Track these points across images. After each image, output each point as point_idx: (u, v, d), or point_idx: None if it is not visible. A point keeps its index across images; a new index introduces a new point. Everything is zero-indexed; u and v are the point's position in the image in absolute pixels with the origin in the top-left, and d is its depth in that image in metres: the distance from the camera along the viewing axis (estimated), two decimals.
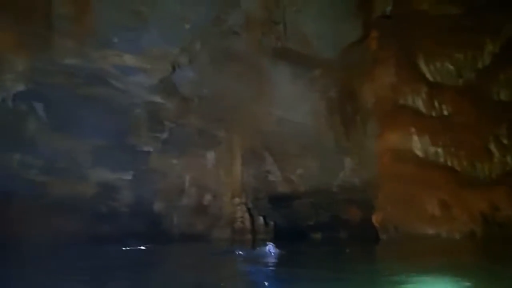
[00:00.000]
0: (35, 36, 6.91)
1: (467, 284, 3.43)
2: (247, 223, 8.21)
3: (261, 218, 8.36)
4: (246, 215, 8.20)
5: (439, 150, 6.46)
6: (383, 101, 6.97)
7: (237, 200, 8.23)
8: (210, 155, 8.24)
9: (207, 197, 8.38)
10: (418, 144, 6.52)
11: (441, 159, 6.40)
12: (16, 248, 7.17)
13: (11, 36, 6.70)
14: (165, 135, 7.84)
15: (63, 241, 7.91)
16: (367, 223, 7.09)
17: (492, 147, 6.30)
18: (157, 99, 7.72)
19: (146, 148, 7.83)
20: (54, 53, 6.90)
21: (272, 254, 5.25)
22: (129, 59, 7.34)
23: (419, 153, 6.50)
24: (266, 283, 3.79)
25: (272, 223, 8.40)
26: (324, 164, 7.98)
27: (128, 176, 7.90)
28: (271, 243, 5.47)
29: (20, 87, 6.89)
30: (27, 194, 7.82)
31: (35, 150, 7.32)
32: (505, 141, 6.29)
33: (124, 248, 6.70)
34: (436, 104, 6.70)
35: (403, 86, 6.88)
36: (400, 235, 6.62)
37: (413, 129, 6.63)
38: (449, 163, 6.40)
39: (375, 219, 6.95)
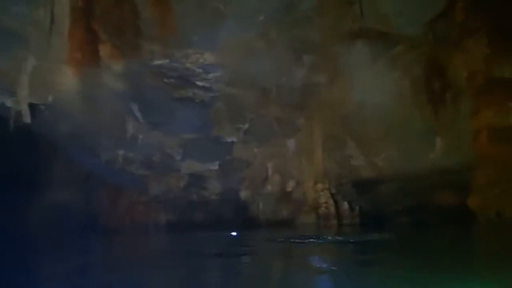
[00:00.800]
0: (127, 43, 7.65)
1: None
2: (332, 209, 8.18)
3: (345, 203, 8.27)
4: (330, 201, 8.19)
5: None
6: (475, 75, 6.45)
7: (320, 186, 8.24)
8: (291, 143, 8.30)
9: (290, 184, 8.48)
10: None
11: None
12: (127, 234, 8.18)
13: (109, 46, 7.51)
14: (246, 126, 8.05)
15: (161, 228, 8.74)
16: (460, 207, 6.67)
17: None
18: (236, 91, 8.08)
19: (229, 139, 8.11)
20: (143, 57, 7.60)
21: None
22: (209, 56, 7.75)
23: None
24: None
25: (357, 208, 8.28)
26: (410, 146, 7.55)
27: (215, 166, 8.41)
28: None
29: (119, 90, 7.75)
30: (132, 186, 8.85)
31: (135, 147, 7.99)
32: None
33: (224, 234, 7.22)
34: None
35: (497, 57, 6.30)
36: (501, 220, 6.17)
37: (511, 104, 6.23)
38: None
39: (471, 203, 6.50)
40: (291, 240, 5.90)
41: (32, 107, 6.58)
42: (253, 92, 8.02)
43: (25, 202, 7.90)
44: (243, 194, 8.39)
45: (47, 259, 5.49)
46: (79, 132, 7.83)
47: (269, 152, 8.37)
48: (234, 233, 7.14)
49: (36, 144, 7.78)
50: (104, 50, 7.28)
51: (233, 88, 7.93)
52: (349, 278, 3.60)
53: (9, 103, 6.25)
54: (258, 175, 8.33)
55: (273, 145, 8.44)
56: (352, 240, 5.85)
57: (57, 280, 4.00)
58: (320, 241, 5.84)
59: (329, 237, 6.21)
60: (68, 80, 6.85)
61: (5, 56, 6.12)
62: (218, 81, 8.05)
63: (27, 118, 6.43)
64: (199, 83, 7.89)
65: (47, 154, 8.28)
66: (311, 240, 5.89)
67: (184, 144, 8.01)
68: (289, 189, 8.35)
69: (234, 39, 7.41)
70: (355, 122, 8.07)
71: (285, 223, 8.16)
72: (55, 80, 6.67)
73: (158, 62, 7.38)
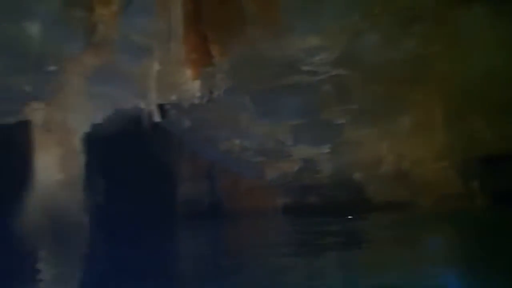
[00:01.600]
0: (233, 39, 8.20)
1: None
2: (456, 188, 7.59)
3: (474, 182, 7.57)
4: (454, 179, 7.61)
5: None
6: None
7: (440, 164, 7.72)
8: (405, 120, 7.82)
9: (406, 164, 8.14)
10: None
11: None
12: (248, 218, 8.86)
13: (218, 45, 8.14)
14: (355, 106, 7.81)
15: (277, 211, 9.21)
16: None
17: None
18: (343, 72, 7.98)
19: (339, 121, 8.01)
20: (249, 49, 8.05)
21: None
22: (313, 40, 7.85)
23: None
24: None
25: (487, 186, 7.45)
26: None
27: (326, 150, 8.47)
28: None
29: (229, 84, 8.36)
30: (249, 173, 9.51)
31: (249, 136, 8.40)
32: None
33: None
34: None
35: None
36: None
37: None
38: None
39: None
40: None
41: (159, 107, 7.51)
42: (361, 71, 7.84)
43: (161, 193, 9.08)
44: (357, 176, 8.29)
45: (185, 242, 6.32)
46: (199, 126, 8.67)
47: (381, 132, 8.05)
48: (350, 217, 7.15)
49: (165, 140, 8.87)
50: (215, 49, 7.92)
51: (339, 69, 7.86)
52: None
53: (141, 105, 7.24)
54: (371, 156, 8.12)
55: (386, 124, 8.12)
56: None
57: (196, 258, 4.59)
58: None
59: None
60: (187, 80, 7.65)
61: (136, 66, 7.10)
62: (322, 63, 8.07)
63: (156, 117, 7.38)
64: (305, 68, 8.02)
65: (174, 148, 9.38)
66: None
67: (294, 129, 8.20)
68: (405, 169, 7.95)
69: (338, 20, 7.38)
70: (478, 93, 7.31)
71: (402, 206, 7.83)
72: (177, 81, 7.50)
73: (263, 52, 7.73)
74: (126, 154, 7.87)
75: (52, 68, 6.34)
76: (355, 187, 8.25)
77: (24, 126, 6.23)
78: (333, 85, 8.05)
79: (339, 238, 5.61)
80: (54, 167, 6.15)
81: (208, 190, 9.72)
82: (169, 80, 7.43)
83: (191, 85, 7.58)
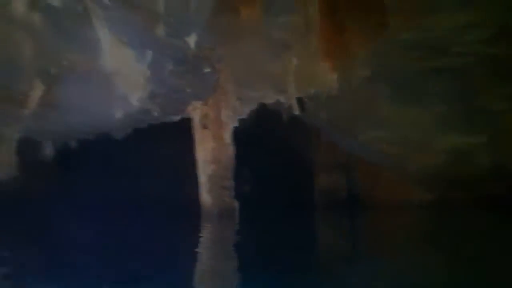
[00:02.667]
0: (372, 24, 7.99)
1: None
2: None
3: None
4: None
5: None
6: None
7: None
8: None
9: None
10: None
11: None
12: (386, 212, 8.63)
13: (355, 33, 8.02)
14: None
15: (417, 206, 8.71)
16: None
17: None
18: (499, 51, 7.08)
19: (497, 108, 7.19)
20: (390, 34, 7.75)
21: None
22: (462, 17, 7.15)
23: None
24: None
25: None
26: None
27: (480, 140, 7.66)
28: None
29: (367, 73, 8.20)
30: (388, 165, 9.20)
31: (388, 126, 8.10)
32: None
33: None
34: None
35: None
36: None
37: None
38: None
39: None
40: None
41: (298, 100, 7.84)
42: None
43: (300, 183, 9.48)
44: None
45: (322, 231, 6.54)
46: (337, 117, 8.72)
47: None
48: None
49: (303, 132, 9.22)
50: (351, 39, 7.84)
51: (493, 48, 7.00)
52: None
53: (282, 99, 7.67)
54: None
55: None
56: None
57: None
58: None
59: None
60: (325, 72, 7.79)
61: (276, 62, 7.55)
62: (474, 42, 7.28)
63: (296, 110, 7.72)
64: (454, 49, 7.34)
65: (312, 140, 9.67)
66: None
67: (441, 117, 7.64)
68: None
69: None
70: None
71: None
72: (315, 74, 7.70)
73: (406, 36, 7.34)
74: (268, 146, 8.45)
75: (207, 70, 7.18)
76: None
77: (186, 123, 7.25)
78: (489, 66, 7.23)
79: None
80: (210, 159, 7.02)
81: (346, 181, 9.77)
82: (307, 73, 7.65)
83: (329, 77, 7.70)
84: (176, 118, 7.29)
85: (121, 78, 6.41)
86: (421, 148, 8.12)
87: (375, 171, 9.28)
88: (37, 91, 5.74)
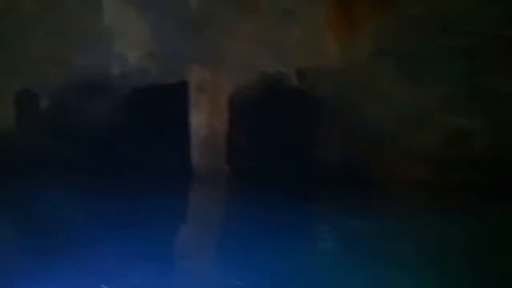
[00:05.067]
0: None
1: None
2: None
3: None
4: None
5: None
6: None
7: None
8: None
9: None
10: None
11: None
12: (385, 189, 8.72)
13: (364, 4, 7.98)
14: None
15: (411, 187, 8.76)
16: None
17: None
18: (508, 30, 6.97)
19: (504, 89, 7.10)
20: (400, 8, 7.66)
21: None
22: None
23: None
24: None
25: None
26: None
27: (482, 121, 7.61)
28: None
29: (372, 48, 8.15)
30: (389, 142, 9.21)
31: (390, 103, 7.94)
32: None
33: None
34: None
35: None
36: None
37: None
38: None
39: None
40: None
41: (300, 71, 7.87)
42: None
43: (299, 155, 9.56)
44: None
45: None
46: (340, 92, 8.72)
47: None
48: None
49: (305, 104, 9.22)
50: (359, 11, 7.78)
51: (504, 28, 6.88)
52: None
53: (282, 69, 7.70)
54: None
55: None
56: None
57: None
58: None
59: None
60: (329, 44, 7.78)
61: (279, 30, 7.57)
62: (487, 23, 7.19)
63: (297, 81, 7.77)
64: (464, 28, 7.27)
65: (314, 113, 9.66)
66: None
67: (444, 97, 7.61)
68: None
69: None
70: None
71: None
72: (318, 45, 7.70)
73: (415, 11, 7.26)
74: (267, 115, 8.50)
75: (209, 34, 7.26)
76: None
77: (183, 86, 7.37)
78: (498, 48, 7.12)
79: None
80: (204, 123, 7.19)
81: (346, 157, 9.80)
82: (311, 44, 7.66)
83: (333, 50, 7.69)
84: (174, 80, 7.42)
85: (120, 36, 6.54)
86: (423, 127, 8.12)
87: (376, 148, 9.29)
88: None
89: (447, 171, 7.82)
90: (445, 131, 7.85)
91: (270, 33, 7.64)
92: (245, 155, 7.70)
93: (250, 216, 4.74)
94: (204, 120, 7.12)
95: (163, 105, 7.19)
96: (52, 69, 7.04)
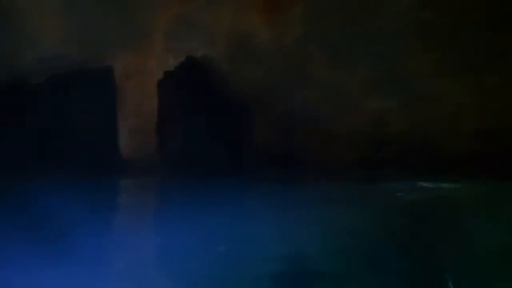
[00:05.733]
0: None
1: None
2: None
3: None
4: None
5: None
6: None
7: None
8: (495, 73, 7.26)
9: (491, 121, 7.58)
10: None
11: None
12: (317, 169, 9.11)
13: None
14: (438, 55, 7.39)
15: (341, 167, 9.26)
16: None
17: None
18: (427, 16, 7.49)
19: (418, 72, 7.59)
20: None
21: None
22: None
23: None
24: None
25: None
26: None
27: (399, 102, 8.14)
28: None
29: (300, 32, 8.32)
30: (319, 125, 9.59)
31: (318, 87, 8.31)
32: None
33: None
34: None
35: None
36: None
37: None
38: None
39: None
40: None
41: (226, 54, 7.83)
42: (449, 15, 7.27)
43: (232, 140, 9.60)
44: (431, 132, 7.91)
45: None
46: (270, 75, 8.85)
47: (466, 86, 7.53)
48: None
49: (237, 88, 9.22)
50: None
51: (422, 12, 7.37)
52: None
53: (212, 53, 7.61)
54: (449, 112, 7.66)
55: (474, 76, 7.55)
56: None
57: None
58: None
59: None
60: (257, 27, 7.80)
61: (207, 13, 7.44)
62: (401, 4, 7.62)
63: (224, 65, 7.73)
64: (387, 12, 7.65)
65: (245, 96, 9.71)
66: None
67: (366, 80, 8.05)
68: (489, 126, 7.39)
69: None
70: None
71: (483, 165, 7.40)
72: (247, 28, 7.70)
73: None
74: (197, 100, 8.39)
75: (137, 18, 6.92)
76: (430, 146, 7.91)
77: (107, 73, 6.99)
78: (415, 31, 7.59)
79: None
80: (132, 111, 6.92)
81: (281, 140, 10.02)
82: (239, 27, 7.66)
83: (262, 33, 7.74)
84: (97, 65, 7.02)
85: (33, 17, 6.02)
86: (348, 109, 8.51)
87: (308, 131, 9.59)
88: None
89: (370, 151, 8.34)
90: (367, 113, 8.31)
91: (197, 16, 7.47)
92: (177, 143, 7.58)
93: (183, 208, 4.71)
94: (133, 108, 6.85)
95: (86, 93, 6.78)
96: None
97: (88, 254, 3.38)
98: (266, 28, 7.78)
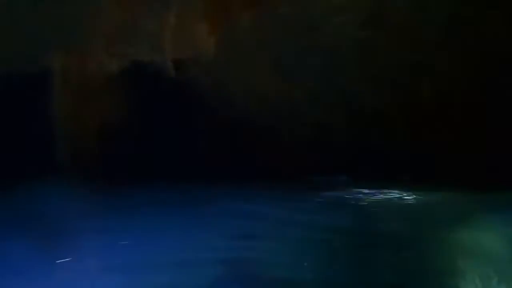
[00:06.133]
0: None
1: None
2: None
3: None
4: None
5: None
6: None
7: None
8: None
9: None
10: None
11: None
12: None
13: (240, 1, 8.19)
14: (375, 72, 7.77)
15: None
16: None
17: None
18: (365, 35, 7.87)
19: (356, 88, 7.94)
20: (269, 7, 8.06)
21: None
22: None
23: None
24: None
25: None
26: None
27: (339, 116, 8.45)
28: None
29: (247, 43, 8.43)
30: (269, 136, 9.66)
31: (266, 99, 8.39)
32: None
33: None
34: None
35: None
36: None
37: None
38: None
39: None
40: None
41: (176, 62, 7.80)
42: (383, 33, 7.69)
43: (180, 148, 9.47)
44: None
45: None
46: (218, 84, 8.89)
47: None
48: None
49: (179, 95, 9.13)
50: (233, 4, 7.98)
51: (361, 31, 7.76)
52: None
53: (157, 59, 7.56)
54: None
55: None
56: None
57: None
58: None
59: None
60: (204, 35, 7.84)
61: (153, 18, 7.38)
62: (347, 25, 7.99)
63: (171, 72, 7.70)
64: (326, 29, 7.97)
65: (194, 105, 9.65)
66: None
67: (309, 93, 8.31)
68: None
69: None
70: None
71: None
72: (193, 35, 7.72)
73: (283, 10, 7.74)
74: (142, 106, 8.25)
75: (76, 18, 6.73)
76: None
77: (44, 75, 6.72)
78: (354, 49, 7.97)
79: None
80: (70, 116, 6.69)
81: (225, 148, 10.02)
82: (185, 34, 7.64)
83: (208, 40, 7.79)
84: (33, 68, 6.74)
85: None
86: (292, 120, 8.72)
87: (253, 142, 9.63)
88: None
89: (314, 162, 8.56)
90: (311, 125, 8.55)
91: (143, 21, 7.41)
92: (118, 150, 7.38)
93: (123, 217, 4.63)
94: (70, 113, 6.61)
95: (21, 96, 6.45)
96: None
97: None
98: (214, 37, 7.83)
